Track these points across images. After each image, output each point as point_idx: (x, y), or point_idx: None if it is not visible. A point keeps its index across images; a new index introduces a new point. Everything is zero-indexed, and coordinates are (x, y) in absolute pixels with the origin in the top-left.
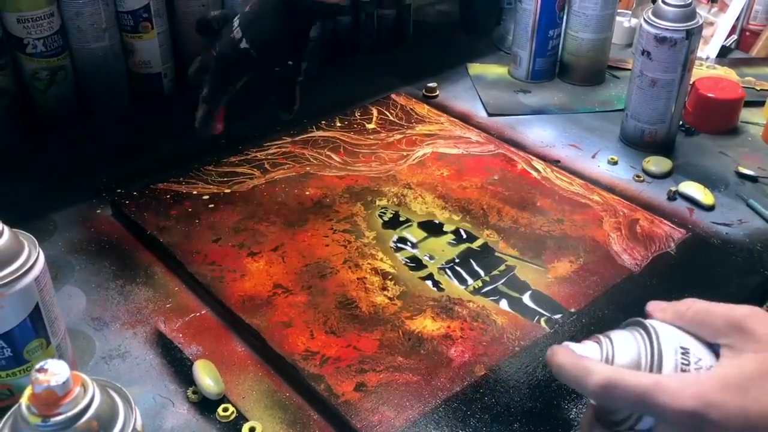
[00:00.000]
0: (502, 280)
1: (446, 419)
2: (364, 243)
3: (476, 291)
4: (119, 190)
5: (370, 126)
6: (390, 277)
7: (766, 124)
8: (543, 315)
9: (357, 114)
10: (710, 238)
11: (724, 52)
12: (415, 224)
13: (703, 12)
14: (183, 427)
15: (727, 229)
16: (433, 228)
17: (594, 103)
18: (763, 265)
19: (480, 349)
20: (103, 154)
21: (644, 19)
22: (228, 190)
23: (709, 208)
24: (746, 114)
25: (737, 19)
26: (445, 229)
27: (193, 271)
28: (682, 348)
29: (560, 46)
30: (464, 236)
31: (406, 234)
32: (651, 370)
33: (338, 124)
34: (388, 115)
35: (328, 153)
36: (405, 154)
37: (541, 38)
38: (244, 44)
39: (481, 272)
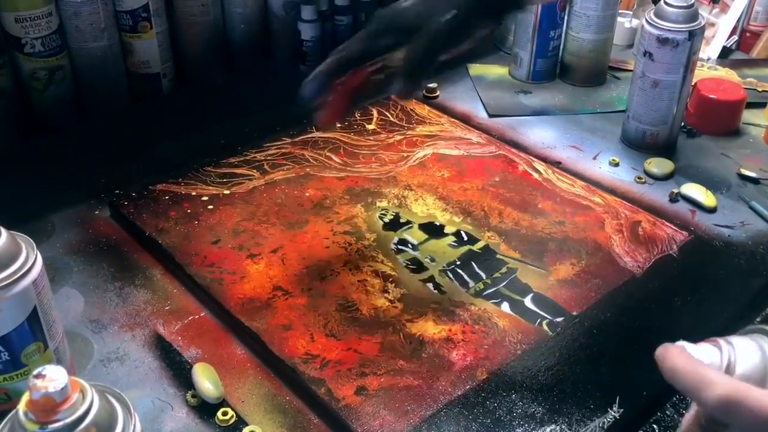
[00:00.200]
0: (504, 283)
1: (448, 424)
2: (364, 245)
3: (478, 294)
4: (118, 191)
5: (371, 127)
6: (391, 279)
7: (767, 125)
8: (545, 318)
9: (357, 115)
10: (712, 241)
11: (725, 53)
12: (415, 226)
13: (704, 13)
14: (182, 431)
15: (729, 231)
16: (434, 230)
17: (595, 104)
18: (765, 268)
19: (482, 352)
20: (102, 155)
21: (646, 20)
22: (227, 191)
23: (711, 210)
24: (748, 115)
25: (738, 20)
26: (446, 231)
27: (192, 273)
28: None
29: (561, 46)
30: (465, 238)
31: (406, 236)
32: None
33: (338, 125)
34: (389, 115)
35: (328, 154)
36: (405, 155)
37: (542, 39)
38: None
39: (483, 275)
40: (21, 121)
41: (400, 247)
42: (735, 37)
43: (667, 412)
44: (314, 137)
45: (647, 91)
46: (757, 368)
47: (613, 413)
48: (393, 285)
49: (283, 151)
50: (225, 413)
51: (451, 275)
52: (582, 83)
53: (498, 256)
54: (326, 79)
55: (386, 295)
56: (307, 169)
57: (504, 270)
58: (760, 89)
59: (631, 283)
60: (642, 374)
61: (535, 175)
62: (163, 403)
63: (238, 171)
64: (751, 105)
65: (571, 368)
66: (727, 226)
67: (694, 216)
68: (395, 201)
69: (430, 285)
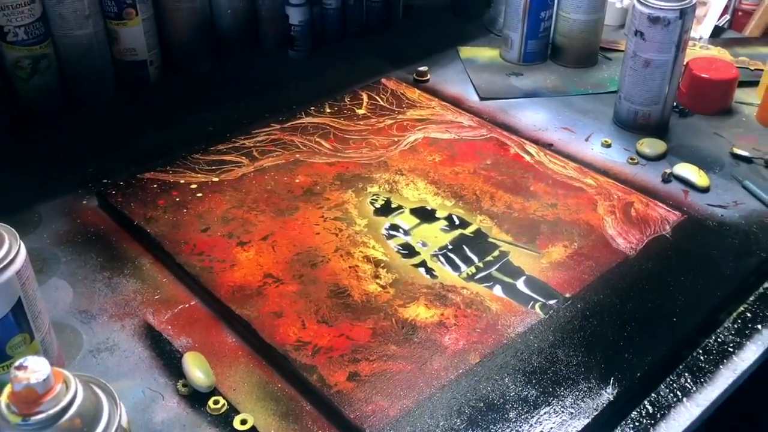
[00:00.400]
0: (496, 266)
1: (441, 408)
2: (355, 231)
3: (470, 277)
4: (105, 181)
5: (360, 111)
6: (382, 264)
7: (760, 104)
8: (537, 301)
9: (347, 99)
10: (706, 221)
11: (716, 32)
12: (407, 211)
13: None
14: (173, 420)
15: (722, 211)
16: (425, 214)
17: (587, 85)
18: (759, 247)
19: (474, 336)
20: (89, 144)
21: None
22: (216, 179)
23: (704, 190)
24: (740, 94)
25: None
26: (437, 215)
27: (181, 261)
28: None
29: (552, 27)
30: (457, 222)
31: (398, 221)
32: None
33: (328, 110)
34: (379, 100)
35: (317, 139)
36: (396, 139)
37: (532, 20)
38: None
39: (475, 258)
40: (6, 111)
41: (391, 232)
42: (727, 16)
43: (662, 392)
44: (303, 123)
45: (639, 71)
46: None
47: (607, 394)
48: (384, 270)
49: (273, 137)
50: (216, 402)
51: (442, 260)
52: (573, 64)
53: (490, 239)
54: None
55: (378, 280)
56: (297, 156)
57: (496, 253)
58: (752, 68)
59: (624, 264)
60: (635, 355)
61: (527, 158)
62: (153, 393)
63: (227, 158)
64: (744, 84)
65: (564, 351)
66: (720, 206)
67: (687, 196)
68: (386, 186)
69: (421, 270)
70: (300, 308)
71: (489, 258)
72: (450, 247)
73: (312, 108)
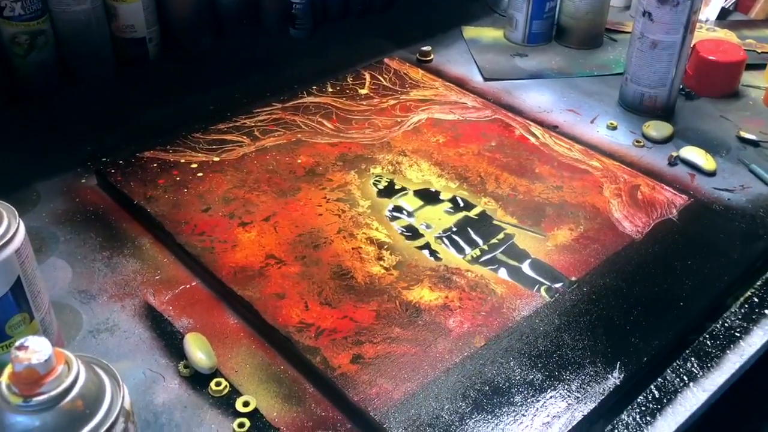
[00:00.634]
0: (501, 249)
1: (445, 391)
2: (358, 212)
3: (474, 260)
4: (104, 159)
5: (363, 91)
6: (386, 246)
7: (767, 87)
8: (543, 284)
9: (349, 79)
10: (712, 204)
11: (723, 15)
12: (410, 192)
13: None
14: (174, 402)
15: (729, 194)
16: (429, 196)
17: (592, 66)
18: (765, 231)
19: (479, 319)
20: (87, 122)
21: None
22: (217, 159)
23: (711, 174)
24: (747, 77)
25: None
26: (441, 197)
27: (182, 241)
28: None
29: (557, 8)
30: (461, 204)
31: (401, 202)
32: None
33: (330, 90)
34: (382, 80)
35: (319, 119)
36: (399, 120)
37: (537, 0)
38: None
39: (480, 241)
40: (2, 88)
41: (395, 214)
42: None
43: (668, 377)
44: (305, 102)
45: (646, 53)
46: None
47: (613, 378)
48: (388, 252)
49: (274, 116)
50: (218, 383)
51: (447, 242)
52: (579, 46)
53: (495, 222)
54: None
55: (381, 262)
56: (299, 135)
57: (501, 236)
58: (759, 51)
59: (631, 247)
60: (642, 339)
61: (532, 140)
62: (154, 374)
63: (228, 137)
64: (751, 66)
65: (570, 334)
66: (726, 190)
67: (694, 179)
68: (389, 167)
69: (425, 252)
70: (303, 290)
71: (494, 240)
72: (454, 229)
73: (314, 87)
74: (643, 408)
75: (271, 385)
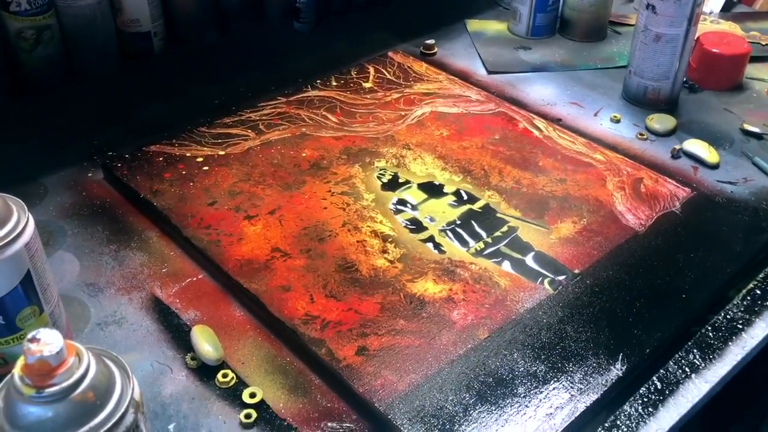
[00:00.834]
0: (505, 242)
1: (449, 383)
2: (362, 205)
3: (478, 253)
4: (111, 153)
5: (367, 85)
6: (390, 239)
7: None
8: (546, 276)
9: (353, 72)
10: (715, 197)
11: (727, 7)
12: (414, 186)
13: None
14: (182, 393)
15: (732, 187)
16: (433, 189)
17: (596, 59)
18: None
19: (483, 311)
20: (93, 117)
21: None
22: (222, 152)
23: (714, 166)
24: (751, 70)
25: None
26: (445, 190)
27: (188, 235)
28: None
29: (561, 1)
30: (465, 197)
31: (405, 196)
32: None
33: (334, 83)
34: (386, 73)
35: (324, 113)
36: (403, 113)
37: None
38: None
39: (483, 234)
40: (9, 82)
41: (399, 207)
42: None
43: (670, 368)
44: (309, 96)
45: (649, 46)
46: None
47: (616, 370)
48: (392, 245)
49: (279, 110)
50: (225, 375)
51: (451, 235)
52: (582, 39)
53: (498, 215)
54: None
55: (386, 255)
56: (303, 129)
57: (505, 229)
58: (763, 43)
59: (634, 240)
60: (644, 331)
61: (536, 133)
62: (162, 366)
63: (233, 131)
64: (755, 59)
65: (573, 326)
66: (729, 182)
67: (697, 172)
68: (393, 160)
69: (429, 245)
70: (308, 282)
71: (497, 233)
72: (458, 222)
73: (318, 81)
74: (646, 399)
75: (277, 377)
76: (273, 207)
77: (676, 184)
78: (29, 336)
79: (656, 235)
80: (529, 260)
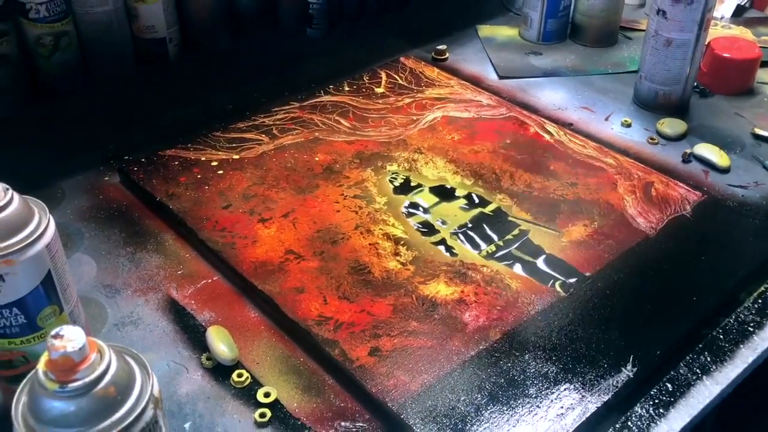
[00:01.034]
0: (516, 245)
1: (461, 383)
2: (375, 208)
3: (490, 256)
4: (127, 157)
5: (379, 90)
6: (402, 242)
7: None
8: (557, 279)
9: (365, 78)
10: (726, 201)
11: (738, 12)
12: (426, 189)
13: None
14: (197, 393)
15: (743, 191)
16: (444, 193)
17: (606, 64)
18: None
19: (494, 313)
20: (110, 121)
21: None
22: (237, 156)
23: (725, 171)
24: (762, 74)
25: None
26: (457, 193)
27: (204, 237)
28: None
29: (572, 6)
30: (477, 201)
31: (417, 199)
32: None
33: (347, 89)
34: (398, 78)
35: (336, 118)
36: (415, 118)
37: None
38: None
39: (495, 237)
40: (27, 88)
41: (411, 210)
42: None
43: (681, 370)
44: (323, 101)
45: (660, 51)
46: None
47: (626, 372)
48: (404, 248)
49: (292, 115)
50: (240, 375)
51: (462, 238)
52: (593, 44)
53: (510, 218)
54: None
55: (398, 257)
56: (316, 134)
57: (516, 232)
58: None
59: (644, 243)
60: (655, 333)
61: (547, 137)
62: (178, 366)
63: (247, 136)
64: (766, 64)
65: (584, 328)
66: (740, 186)
67: (708, 176)
68: (405, 164)
69: (441, 247)
70: (321, 284)
71: (509, 236)
72: (469, 225)
73: (331, 86)
74: (657, 401)
75: (291, 377)
76: (287, 210)
77: (687, 187)
78: (53, 332)
79: (667, 238)
80: (541, 263)
